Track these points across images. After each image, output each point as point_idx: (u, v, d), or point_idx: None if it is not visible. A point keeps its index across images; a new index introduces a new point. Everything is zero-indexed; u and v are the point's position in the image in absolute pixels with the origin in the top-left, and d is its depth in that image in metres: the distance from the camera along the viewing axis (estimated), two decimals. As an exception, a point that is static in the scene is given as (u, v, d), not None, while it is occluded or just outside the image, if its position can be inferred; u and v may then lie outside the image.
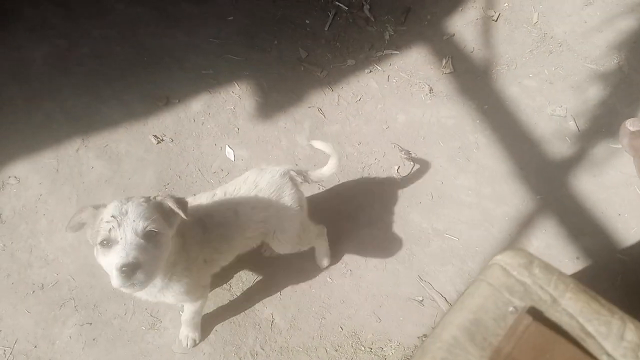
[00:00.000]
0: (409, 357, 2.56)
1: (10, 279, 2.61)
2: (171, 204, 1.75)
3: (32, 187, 2.82)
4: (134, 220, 1.63)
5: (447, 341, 1.48)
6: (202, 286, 2.21)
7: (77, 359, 2.46)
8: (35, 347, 2.48)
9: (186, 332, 2.48)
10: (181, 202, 1.80)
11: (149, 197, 1.75)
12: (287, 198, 2.29)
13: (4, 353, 2.45)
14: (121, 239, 1.61)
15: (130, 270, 1.58)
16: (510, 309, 1.53)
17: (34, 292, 2.57)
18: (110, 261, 1.61)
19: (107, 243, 1.62)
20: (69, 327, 2.52)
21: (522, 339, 1.43)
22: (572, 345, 1.43)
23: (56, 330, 2.48)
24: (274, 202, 2.27)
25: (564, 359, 1.41)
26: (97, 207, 1.70)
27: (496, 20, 3.69)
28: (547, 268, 1.63)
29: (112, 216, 1.61)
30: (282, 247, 2.45)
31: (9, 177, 2.84)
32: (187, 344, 2.48)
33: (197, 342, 2.51)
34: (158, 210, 1.72)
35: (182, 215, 1.76)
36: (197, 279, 2.11)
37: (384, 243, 2.88)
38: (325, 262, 2.75)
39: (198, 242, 2.08)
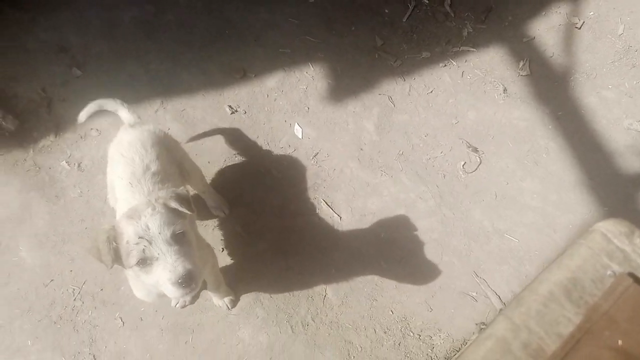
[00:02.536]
0: (457, 349, 2.57)
1: (84, 224, 2.76)
2: (174, 205, 1.76)
3: (111, 140, 2.95)
4: (160, 233, 1.65)
5: (544, 295, 1.52)
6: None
7: (139, 306, 2.59)
8: (102, 290, 2.62)
9: (219, 301, 2.57)
10: (183, 198, 1.82)
11: (152, 203, 1.73)
12: (157, 131, 2.35)
13: (73, 292, 2.61)
14: (158, 254, 1.65)
15: (187, 279, 1.65)
16: (609, 272, 1.55)
17: (104, 238, 2.71)
18: (159, 278, 1.67)
19: (145, 262, 1.66)
20: (133, 276, 2.64)
21: (620, 298, 1.45)
22: None
23: (122, 277, 2.58)
24: (160, 142, 2.30)
25: (662, 323, 1.41)
26: (107, 232, 1.68)
27: (579, 28, 3.60)
28: (649, 240, 1.65)
29: (140, 237, 1.64)
30: (196, 178, 2.58)
31: (91, 129, 2.99)
32: (229, 307, 2.58)
33: (234, 299, 2.60)
34: (170, 212, 1.74)
35: (188, 211, 1.79)
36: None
37: (442, 236, 2.88)
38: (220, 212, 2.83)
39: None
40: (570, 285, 1.53)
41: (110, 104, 2.45)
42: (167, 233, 1.66)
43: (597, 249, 1.61)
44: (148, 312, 2.59)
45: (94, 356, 2.49)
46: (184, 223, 1.77)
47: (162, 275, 1.66)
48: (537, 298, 1.52)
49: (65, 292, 2.62)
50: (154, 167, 2.14)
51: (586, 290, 1.52)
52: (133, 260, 1.65)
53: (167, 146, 2.33)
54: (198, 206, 2.67)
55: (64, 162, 2.91)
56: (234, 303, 2.60)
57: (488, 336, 1.50)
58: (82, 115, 2.43)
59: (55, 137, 2.98)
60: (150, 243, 1.64)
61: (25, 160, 2.90)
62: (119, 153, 2.20)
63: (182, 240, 1.71)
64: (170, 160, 2.30)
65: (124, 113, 2.43)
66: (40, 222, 2.76)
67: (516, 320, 1.50)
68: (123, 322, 2.57)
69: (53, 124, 3.01)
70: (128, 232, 1.65)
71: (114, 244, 1.67)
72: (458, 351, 2.55)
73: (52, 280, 2.64)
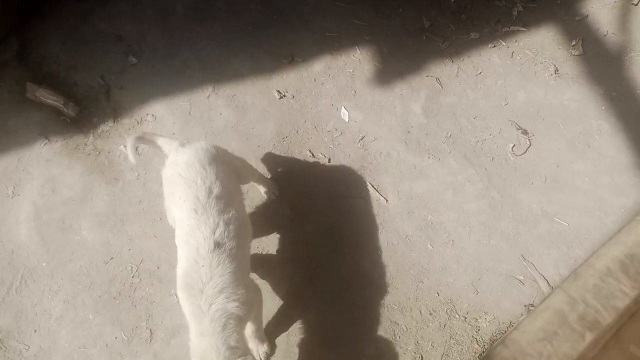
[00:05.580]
0: (503, 332, 2.58)
1: (142, 205, 2.90)
2: None
3: (166, 125, 3.08)
4: None
5: (600, 270, 1.54)
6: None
7: (193, 284, 2.71)
8: (158, 268, 2.76)
9: (253, 347, 2.49)
10: None
11: None
12: (209, 148, 2.32)
13: (131, 269, 2.76)
14: None
15: None
16: None
17: (160, 219, 2.85)
18: None
19: None
20: (188, 255, 2.77)
21: None
22: None
23: (177, 256, 2.71)
24: (215, 158, 2.29)
25: None
26: None
27: (636, 4, 3.46)
28: None
29: None
30: (248, 173, 2.66)
31: (147, 114, 3.12)
32: (261, 358, 2.53)
33: (269, 351, 2.56)
34: None
35: None
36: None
37: (490, 219, 2.88)
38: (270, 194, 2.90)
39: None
40: (627, 261, 1.54)
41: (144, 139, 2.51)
42: None
43: (655, 224, 1.60)
44: (202, 290, 2.71)
45: (150, 330, 2.64)
46: None
47: None
48: (594, 273, 1.54)
49: (124, 269, 2.77)
50: (216, 190, 2.17)
51: None
52: None
53: (221, 159, 2.34)
54: (249, 192, 2.77)
55: (122, 146, 3.05)
56: (268, 356, 2.57)
57: (545, 308, 1.53)
58: (131, 158, 2.43)
59: (114, 122, 3.13)
60: None
61: (85, 144, 3.06)
62: (176, 174, 2.22)
63: None
64: (228, 172, 2.32)
65: (160, 141, 2.45)
66: (100, 203, 2.92)
67: (573, 294, 1.53)
68: (178, 299, 2.70)
69: (111, 110, 3.16)
70: None
71: None
72: (504, 334, 2.56)
73: (111, 258, 2.80)
